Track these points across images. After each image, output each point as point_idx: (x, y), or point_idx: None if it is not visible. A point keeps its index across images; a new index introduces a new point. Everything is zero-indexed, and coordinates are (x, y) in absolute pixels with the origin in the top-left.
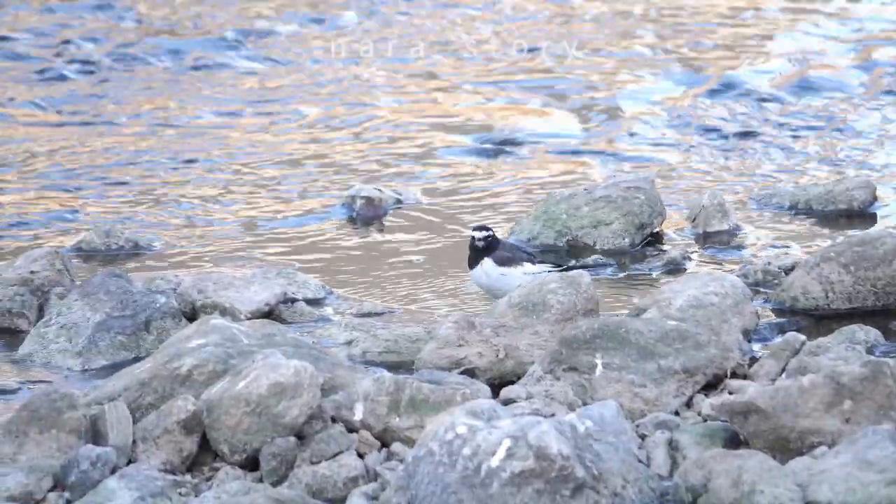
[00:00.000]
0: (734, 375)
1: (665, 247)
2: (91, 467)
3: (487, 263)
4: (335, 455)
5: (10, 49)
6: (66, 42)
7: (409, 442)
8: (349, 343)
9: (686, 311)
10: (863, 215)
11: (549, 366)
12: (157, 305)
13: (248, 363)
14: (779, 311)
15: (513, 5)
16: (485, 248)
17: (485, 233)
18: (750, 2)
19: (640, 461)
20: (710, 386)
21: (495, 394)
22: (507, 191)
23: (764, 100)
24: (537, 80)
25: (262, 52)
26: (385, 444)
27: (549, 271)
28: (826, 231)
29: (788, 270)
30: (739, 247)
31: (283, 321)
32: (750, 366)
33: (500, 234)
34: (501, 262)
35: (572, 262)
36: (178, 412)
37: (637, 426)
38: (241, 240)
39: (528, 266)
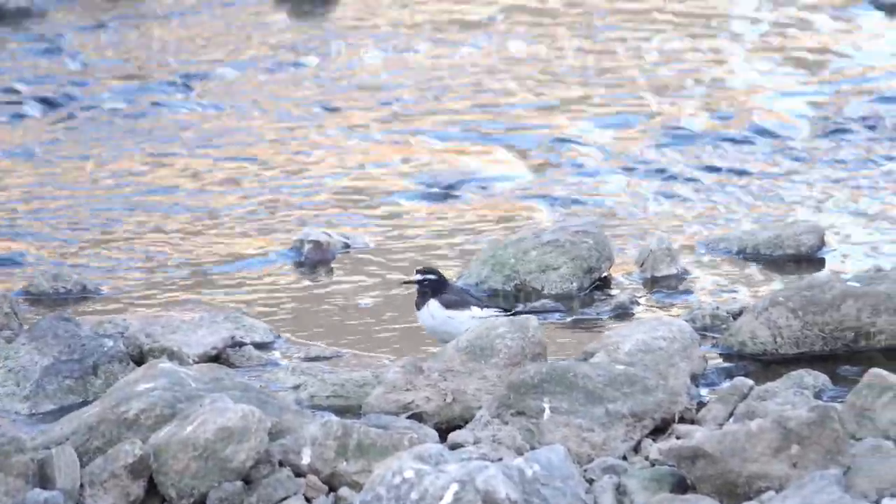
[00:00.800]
0: (682, 420)
1: (613, 291)
2: None
3: (433, 305)
4: (282, 500)
5: None
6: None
7: (357, 486)
8: (297, 387)
9: (634, 355)
10: (811, 260)
11: (497, 410)
12: (105, 349)
13: (196, 407)
14: (727, 356)
15: (462, 54)
16: (431, 291)
17: (429, 275)
18: (699, 45)
19: None
20: (658, 430)
21: (443, 438)
22: (455, 235)
23: (712, 144)
24: (485, 124)
25: (211, 95)
26: (333, 489)
27: (496, 315)
28: (774, 276)
29: (736, 315)
30: (687, 291)
31: (230, 365)
32: (698, 410)
33: (449, 277)
34: (448, 305)
35: (520, 307)
36: (126, 456)
37: (585, 470)
38: (188, 283)
39: (475, 310)
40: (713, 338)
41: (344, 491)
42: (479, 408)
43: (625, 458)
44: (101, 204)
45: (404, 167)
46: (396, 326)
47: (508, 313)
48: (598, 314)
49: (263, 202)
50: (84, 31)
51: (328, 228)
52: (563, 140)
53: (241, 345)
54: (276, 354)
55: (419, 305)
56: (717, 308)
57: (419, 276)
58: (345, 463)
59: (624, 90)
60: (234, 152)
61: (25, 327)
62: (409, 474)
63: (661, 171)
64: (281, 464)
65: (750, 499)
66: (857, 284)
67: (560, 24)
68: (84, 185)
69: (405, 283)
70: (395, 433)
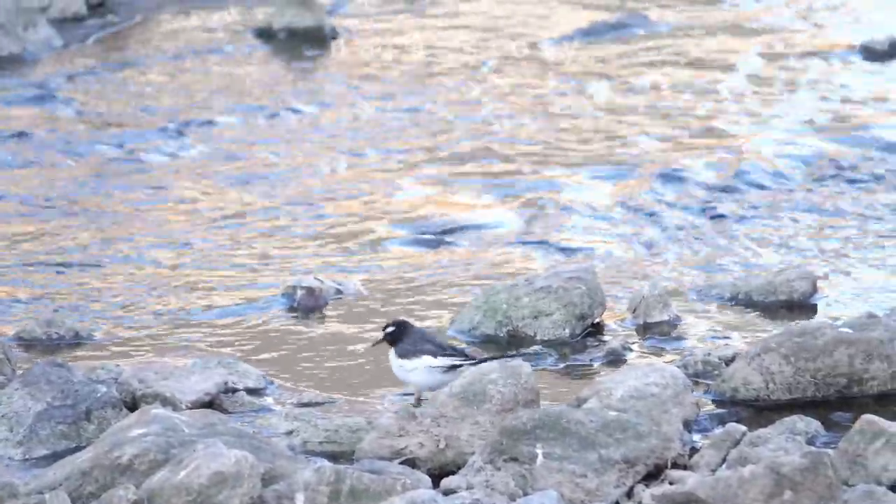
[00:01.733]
0: (675, 466)
1: (606, 337)
2: None
3: (391, 355)
4: None
5: None
6: (10, 133)
7: None
8: (290, 433)
9: (627, 401)
10: (803, 306)
11: (490, 456)
12: (98, 395)
13: (190, 453)
14: (719, 402)
15: (455, 100)
16: (391, 342)
17: (389, 328)
18: (692, 89)
19: None
20: (651, 476)
21: (436, 484)
22: (448, 281)
23: (704, 190)
24: (479, 170)
25: (205, 142)
26: None
27: (453, 364)
28: (766, 322)
29: (729, 361)
30: (680, 337)
31: (224, 411)
32: (690, 456)
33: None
34: (402, 355)
35: (486, 356)
36: (119, 501)
37: None
38: (181, 329)
39: (426, 358)
40: (706, 384)
41: None
42: (472, 453)
43: (618, 503)
44: (93, 250)
45: (397, 213)
46: (389, 372)
47: (473, 362)
48: (590, 360)
49: (256, 248)
50: (77, 79)
51: (320, 275)
52: (556, 186)
53: (235, 390)
54: (269, 400)
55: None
56: (710, 354)
57: (385, 330)
58: None
59: (617, 136)
60: (227, 199)
61: (18, 373)
62: None
63: (654, 216)
64: None
65: None
66: (850, 331)
67: (554, 70)
68: (75, 232)
69: (374, 344)
70: (388, 479)
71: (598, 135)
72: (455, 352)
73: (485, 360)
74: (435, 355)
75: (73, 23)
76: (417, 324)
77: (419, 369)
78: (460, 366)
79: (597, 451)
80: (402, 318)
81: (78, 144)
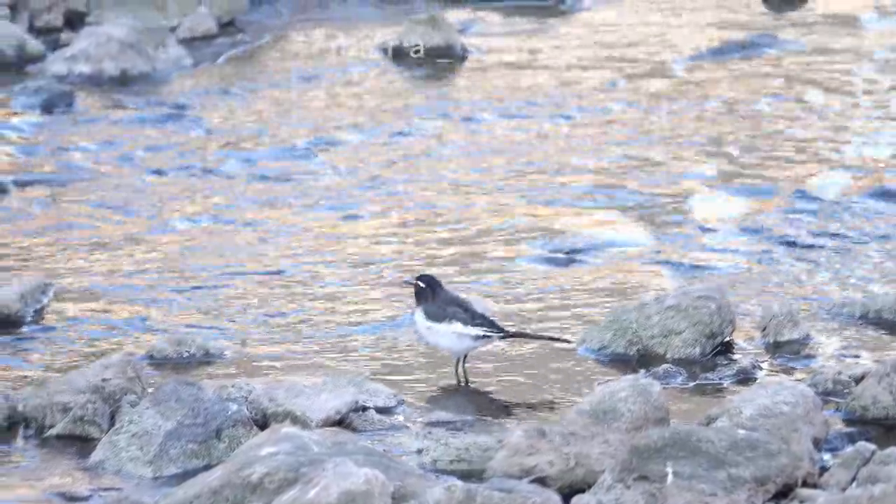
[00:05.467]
0: (804, 485)
1: (736, 356)
2: None
3: (418, 314)
4: None
5: (71, 160)
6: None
7: None
8: (420, 452)
9: (756, 420)
10: None
11: (620, 475)
12: (229, 413)
13: (319, 471)
14: (849, 421)
15: (584, 118)
16: (419, 299)
17: (420, 282)
18: (825, 108)
19: None
20: (781, 495)
21: (566, 502)
22: (577, 299)
23: (835, 209)
24: (608, 188)
25: (334, 160)
26: None
27: (482, 335)
28: None
29: (858, 380)
30: (810, 356)
31: (353, 429)
32: (820, 475)
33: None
34: (431, 317)
35: (517, 331)
36: None
37: None
38: (312, 347)
39: (457, 325)
40: (835, 402)
41: None
42: (602, 472)
43: None
44: (223, 269)
45: (526, 231)
46: (520, 391)
47: (502, 335)
48: (720, 379)
49: (385, 266)
50: (206, 97)
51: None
52: (686, 204)
53: (365, 409)
54: (400, 419)
55: (414, 309)
56: (840, 373)
57: (414, 282)
58: None
59: (748, 155)
60: (356, 217)
61: (149, 391)
62: None
63: (784, 235)
64: None
65: None
66: None
67: (682, 89)
68: (204, 250)
69: (405, 282)
70: (518, 497)
71: (730, 154)
72: (484, 320)
73: (516, 335)
74: (466, 323)
75: (203, 41)
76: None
77: (449, 334)
78: (490, 336)
79: (726, 469)
80: (430, 274)
81: (207, 163)
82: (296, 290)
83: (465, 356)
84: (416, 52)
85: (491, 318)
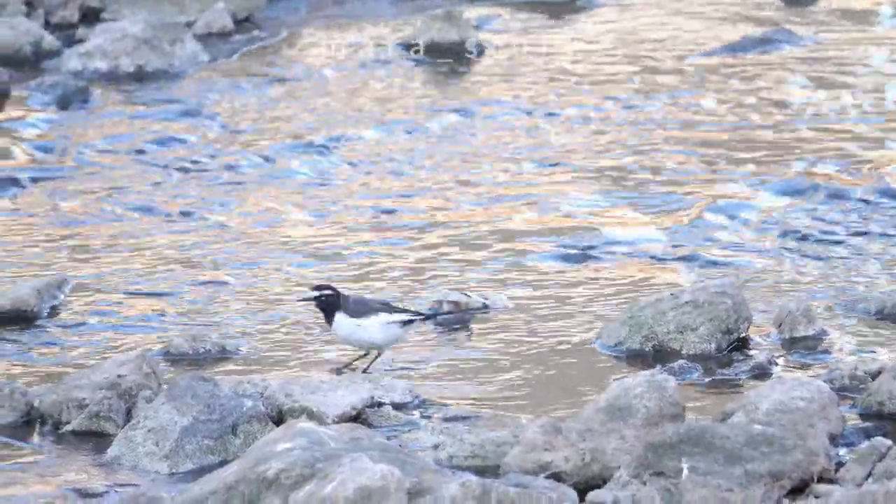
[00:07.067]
0: (821, 480)
1: (751, 351)
2: None
3: (340, 318)
4: None
5: (87, 156)
6: (140, 150)
7: None
8: (436, 447)
9: (772, 415)
10: None
11: (636, 470)
12: (244, 409)
13: (335, 467)
14: (865, 416)
15: (604, 113)
16: (331, 306)
17: (322, 291)
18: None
19: None
20: (797, 490)
21: (581, 498)
22: (593, 295)
23: (851, 205)
24: (624, 185)
25: (351, 156)
26: None
27: (408, 319)
28: None
29: (874, 375)
30: (826, 352)
31: (369, 425)
32: (836, 470)
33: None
34: (355, 315)
35: (433, 312)
36: None
37: None
38: (327, 343)
39: (382, 315)
40: (851, 398)
41: None
42: (618, 468)
43: None
44: (238, 265)
45: (543, 227)
46: (535, 386)
47: (423, 317)
48: (736, 374)
49: (402, 262)
50: (223, 93)
51: (466, 289)
52: (701, 200)
53: (381, 404)
54: (415, 414)
55: (328, 320)
56: (856, 368)
57: (316, 293)
58: None
59: (764, 151)
60: (371, 213)
61: (165, 387)
62: None
63: (800, 231)
64: None
65: None
66: None
67: (700, 84)
68: (221, 246)
69: (301, 300)
70: (534, 493)
71: (747, 150)
72: (402, 308)
73: (434, 315)
74: (389, 311)
75: (219, 38)
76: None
77: (378, 326)
78: (414, 320)
79: (742, 465)
80: (328, 283)
81: (223, 159)
82: (312, 285)
83: (382, 352)
84: (416, 51)
85: (403, 307)
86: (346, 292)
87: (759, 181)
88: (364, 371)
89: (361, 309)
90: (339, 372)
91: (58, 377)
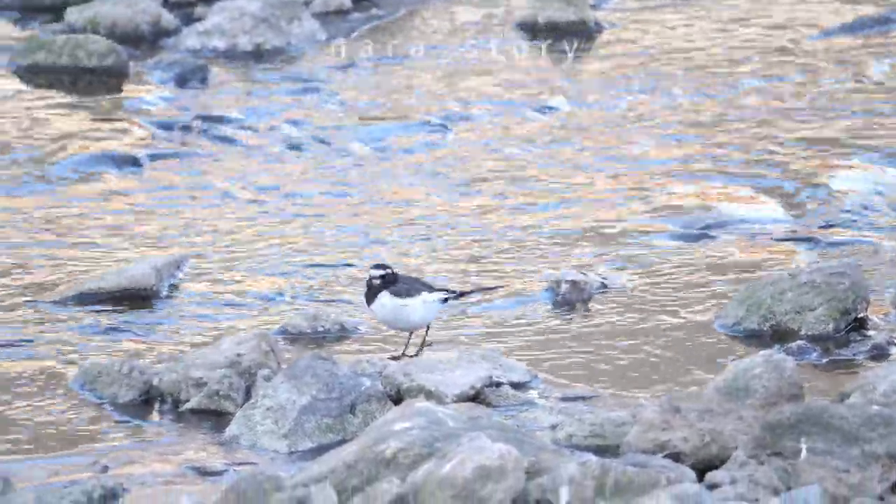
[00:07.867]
0: None
1: (870, 332)
2: None
3: (385, 298)
4: None
5: (205, 135)
6: (261, 130)
7: None
8: (554, 427)
9: (890, 396)
10: None
11: (754, 450)
12: (363, 388)
13: (454, 446)
14: None
15: (724, 95)
16: (382, 285)
17: (382, 271)
18: None
19: None
20: None
21: (699, 478)
22: (710, 276)
23: None
24: (743, 164)
25: (467, 135)
26: None
27: (446, 297)
28: None
29: None
30: None
31: (487, 405)
32: None
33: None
34: (398, 294)
35: (469, 289)
36: (385, 495)
37: None
38: (446, 323)
39: (424, 294)
40: None
41: None
42: (736, 448)
43: (881, 498)
44: (356, 243)
45: (661, 207)
46: (654, 366)
47: (454, 294)
48: (853, 355)
49: (519, 241)
50: (340, 72)
51: (584, 268)
52: (821, 179)
53: (499, 384)
54: (534, 394)
55: (370, 300)
56: None
57: (381, 272)
58: (602, 502)
59: (884, 129)
60: (489, 192)
61: (284, 366)
62: None
63: None
64: (538, 503)
65: None
66: None
67: (818, 64)
68: (339, 225)
69: (371, 279)
70: (652, 472)
71: (867, 127)
72: (440, 287)
73: (469, 293)
74: (431, 291)
75: (337, 16)
76: None
77: (421, 305)
78: (448, 299)
79: (860, 445)
80: (383, 262)
81: (341, 138)
82: (430, 266)
83: (429, 326)
84: (535, 29)
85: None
86: (398, 273)
87: (884, 160)
88: (414, 355)
89: (405, 289)
90: (395, 358)
91: (176, 356)
